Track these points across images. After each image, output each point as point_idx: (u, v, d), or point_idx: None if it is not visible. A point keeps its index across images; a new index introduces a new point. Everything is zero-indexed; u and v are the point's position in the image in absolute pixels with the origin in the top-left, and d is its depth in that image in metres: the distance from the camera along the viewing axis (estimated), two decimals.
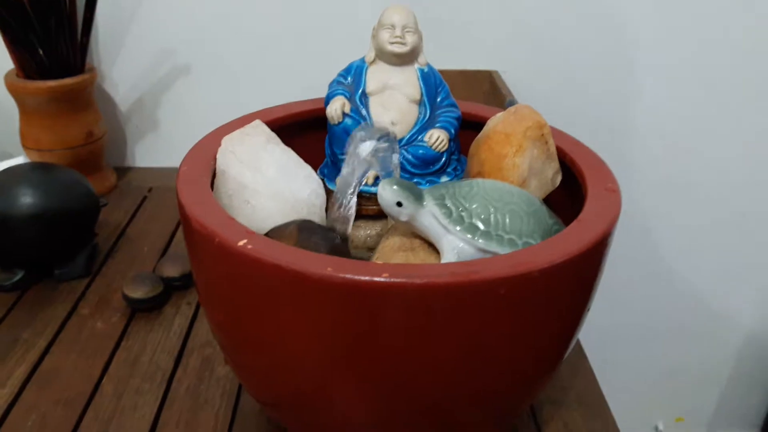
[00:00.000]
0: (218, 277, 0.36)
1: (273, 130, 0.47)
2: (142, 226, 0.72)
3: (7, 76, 0.71)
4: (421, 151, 0.46)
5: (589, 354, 0.56)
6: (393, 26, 0.45)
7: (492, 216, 0.37)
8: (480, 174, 0.44)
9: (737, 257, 0.95)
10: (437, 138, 0.45)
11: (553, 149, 0.43)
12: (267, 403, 0.43)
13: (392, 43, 0.45)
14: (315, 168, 0.48)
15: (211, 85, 0.82)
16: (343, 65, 0.48)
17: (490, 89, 0.78)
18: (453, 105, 0.47)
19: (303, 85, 0.71)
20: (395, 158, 0.43)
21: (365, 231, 0.47)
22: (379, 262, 0.39)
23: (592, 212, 0.37)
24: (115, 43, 0.80)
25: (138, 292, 0.57)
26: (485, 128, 0.45)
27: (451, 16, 0.78)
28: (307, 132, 0.50)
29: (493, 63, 0.81)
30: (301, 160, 0.46)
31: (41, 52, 0.69)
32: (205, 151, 0.43)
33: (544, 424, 0.48)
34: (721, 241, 0.94)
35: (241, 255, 0.33)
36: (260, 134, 0.45)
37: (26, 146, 0.74)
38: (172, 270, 0.60)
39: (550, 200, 0.45)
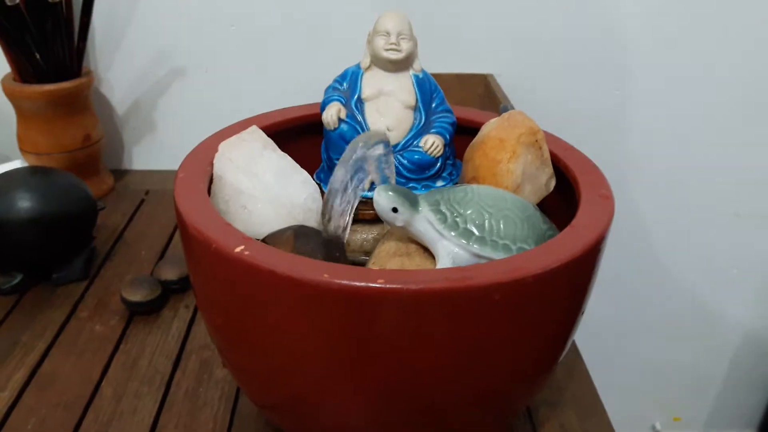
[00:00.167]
0: (215, 282, 0.37)
1: (269, 135, 0.47)
2: (140, 229, 0.72)
3: (4, 80, 0.72)
4: (416, 157, 0.46)
5: (585, 354, 0.56)
6: (388, 33, 0.45)
7: (486, 221, 0.37)
8: (475, 179, 0.44)
9: (734, 257, 0.96)
10: (432, 143, 0.46)
11: (547, 155, 0.44)
12: (265, 406, 0.44)
13: (387, 49, 0.45)
14: (311, 173, 0.48)
15: (208, 88, 0.82)
16: (339, 70, 0.48)
17: (485, 92, 0.78)
18: (448, 110, 0.48)
19: (299, 89, 0.71)
20: (390, 164, 0.43)
21: (362, 235, 0.47)
22: (374, 267, 0.39)
23: (585, 218, 0.37)
24: (111, 47, 0.80)
25: (136, 296, 0.57)
26: (480, 134, 0.45)
27: (446, 20, 0.79)
28: (304, 137, 0.50)
29: (488, 66, 0.81)
30: (297, 165, 0.46)
31: (38, 56, 0.69)
32: (202, 156, 0.43)
33: (540, 425, 0.48)
34: (718, 241, 0.94)
35: (237, 261, 0.33)
36: (257, 140, 0.45)
37: (24, 150, 0.74)
38: (170, 273, 0.60)
39: (544, 205, 0.46)
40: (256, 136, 0.45)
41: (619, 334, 1.02)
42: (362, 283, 0.31)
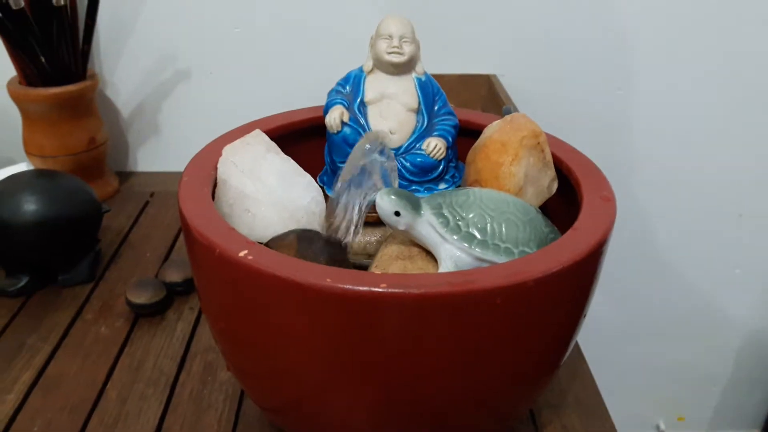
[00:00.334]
0: (219, 286, 0.37)
1: (273, 138, 0.48)
2: (145, 231, 0.72)
3: (9, 84, 0.72)
4: (419, 159, 0.46)
5: (588, 354, 0.56)
6: (390, 36, 0.45)
7: (489, 225, 0.37)
8: (477, 182, 0.44)
9: (738, 257, 0.96)
10: (435, 146, 0.46)
11: (549, 157, 0.44)
12: (268, 408, 0.44)
13: (390, 53, 0.45)
14: (314, 176, 0.49)
15: (212, 91, 0.83)
16: (342, 73, 0.49)
17: (488, 93, 0.78)
18: (450, 113, 0.48)
19: (302, 92, 0.71)
20: (393, 168, 0.43)
21: (365, 238, 0.48)
22: (377, 270, 0.40)
23: (587, 221, 0.37)
24: (116, 50, 0.81)
25: (141, 298, 0.58)
26: (482, 136, 0.46)
27: (449, 21, 0.79)
28: (307, 140, 0.50)
29: (491, 67, 0.81)
30: (300, 169, 0.47)
31: (43, 59, 0.69)
32: (206, 160, 0.44)
33: (543, 427, 0.48)
34: (721, 241, 0.94)
35: (241, 265, 0.33)
36: (260, 143, 0.45)
37: (29, 153, 0.74)
38: (174, 275, 0.61)
39: (546, 207, 0.46)
40: (259, 140, 0.46)
41: (623, 334, 1.02)
42: (365, 288, 0.31)
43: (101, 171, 0.79)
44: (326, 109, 0.47)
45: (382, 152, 0.43)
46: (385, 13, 0.47)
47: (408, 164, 0.46)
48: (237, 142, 0.45)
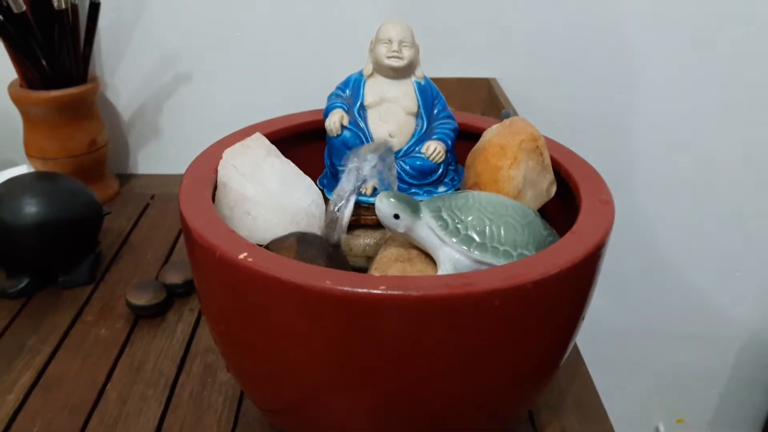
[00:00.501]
0: (219, 288, 0.37)
1: (273, 141, 0.48)
2: (145, 233, 0.73)
3: (10, 86, 0.72)
4: (418, 163, 0.47)
5: (588, 355, 0.57)
6: (390, 41, 0.45)
7: (487, 228, 0.37)
8: (476, 185, 0.44)
9: (738, 258, 0.96)
10: (434, 149, 0.46)
11: (548, 161, 0.44)
12: (268, 409, 0.44)
13: (389, 57, 0.45)
14: (314, 179, 0.49)
15: (213, 92, 0.83)
16: (342, 77, 0.49)
17: (487, 97, 0.79)
18: (450, 117, 0.48)
19: (303, 95, 0.72)
20: (392, 171, 0.44)
21: (364, 240, 0.48)
22: (376, 272, 0.40)
23: (585, 224, 0.38)
24: (117, 52, 0.81)
25: (141, 299, 0.58)
26: (481, 140, 0.46)
27: (448, 24, 0.79)
28: (307, 143, 0.51)
29: (490, 70, 0.81)
30: (300, 172, 0.47)
31: (44, 62, 0.70)
32: (207, 163, 0.44)
33: (542, 428, 0.48)
34: (721, 242, 0.94)
35: (241, 268, 0.34)
36: (260, 147, 0.46)
37: (30, 155, 0.75)
38: (174, 277, 0.61)
39: (545, 210, 0.46)
40: (260, 143, 0.46)
41: (622, 336, 1.03)
42: (364, 290, 0.31)
43: (102, 173, 0.79)
44: (326, 112, 0.47)
45: (380, 152, 0.44)
46: (386, 18, 0.47)
47: (407, 167, 0.47)
48: (237, 145, 0.45)
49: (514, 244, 0.37)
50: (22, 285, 0.61)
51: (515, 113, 0.70)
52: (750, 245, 0.95)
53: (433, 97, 0.48)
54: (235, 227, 0.44)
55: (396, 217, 0.38)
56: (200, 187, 0.41)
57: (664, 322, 1.02)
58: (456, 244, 0.37)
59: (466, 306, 0.32)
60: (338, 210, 0.41)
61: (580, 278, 0.36)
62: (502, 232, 0.37)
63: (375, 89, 0.47)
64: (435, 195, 0.46)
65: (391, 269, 0.39)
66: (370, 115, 0.47)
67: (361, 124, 0.47)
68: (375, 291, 0.31)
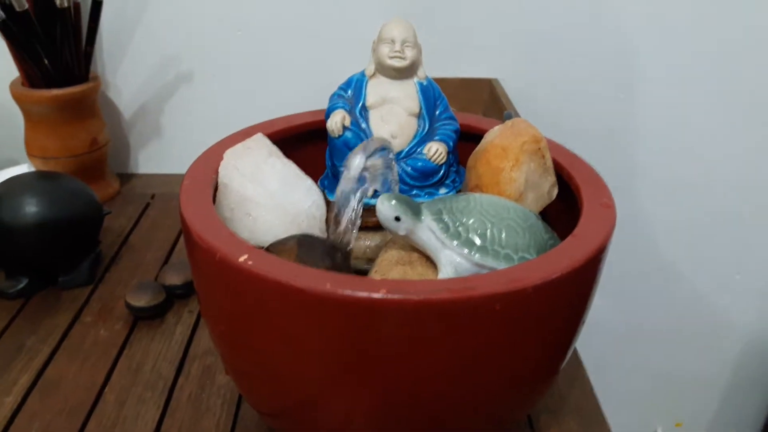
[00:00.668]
0: (219, 291, 0.37)
1: (274, 141, 0.48)
2: (145, 233, 0.72)
3: (12, 85, 0.72)
4: (420, 164, 0.46)
5: (587, 358, 0.56)
6: (393, 41, 0.45)
7: (488, 231, 0.37)
8: (478, 187, 0.44)
9: (737, 261, 0.96)
10: (436, 150, 0.46)
11: (550, 163, 0.44)
12: (266, 413, 0.44)
13: (392, 57, 0.45)
14: (315, 179, 0.49)
15: (214, 92, 0.83)
16: (344, 77, 0.49)
17: (489, 97, 0.78)
18: (452, 118, 0.48)
19: (304, 95, 0.72)
20: (394, 172, 0.43)
21: (365, 242, 0.48)
22: (377, 275, 0.40)
23: (586, 228, 0.37)
24: (119, 52, 0.81)
25: (140, 301, 0.58)
26: (483, 141, 0.46)
27: (451, 24, 0.79)
28: (308, 143, 0.50)
29: (493, 71, 0.81)
30: (301, 173, 0.47)
31: (46, 61, 0.70)
32: (208, 164, 0.44)
33: None
34: (720, 245, 0.94)
35: (241, 270, 0.33)
36: (262, 147, 0.45)
37: (31, 154, 0.74)
38: (174, 278, 0.61)
39: (546, 212, 0.46)
40: (261, 144, 0.46)
41: (621, 339, 1.02)
42: (364, 293, 0.31)
43: (103, 172, 0.79)
44: (328, 113, 0.47)
45: (381, 154, 0.43)
46: (388, 17, 0.47)
47: (409, 169, 0.46)
48: (238, 145, 0.45)
49: (515, 248, 0.37)
50: (22, 285, 0.60)
51: (517, 114, 0.70)
52: (750, 248, 0.95)
53: (436, 97, 0.48)
54: (235, 228, 0.43)
55: (397, 219, 0.38)
56: (201, 188, 0.41)
57: (663, 324, 1.01)
58: (457, 247, 0.37)
59: (467, 310, 0.32)
60: (345, 217, 0.41)
61: (580, 283, 0.36)
62: (504, 235, 0.37)
63: (377, 90, 0.47)
64: (436, 197, 0.46)
65: (392, 272, 0.39)
66: (372, 115, 0.47)
67: (363, 125, 0.47)
68: (375, 295, 0.31)
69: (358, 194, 0.42)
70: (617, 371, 1.03)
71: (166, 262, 0.67)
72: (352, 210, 0.43)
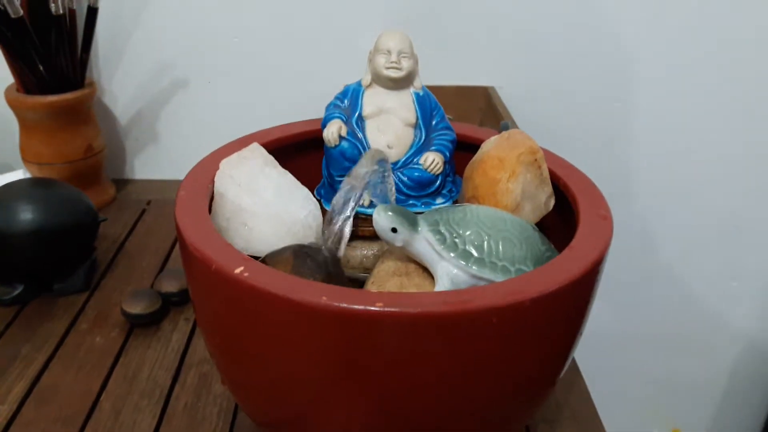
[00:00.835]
0: (215, 302, 0.37)
1: (270, 150, 0.48)
2: (141, 240, 0.72)
3: (7, 91, 0.72)
4: (416, 174, 0.46)
5: (584, 364, 0.56)
6: (389, 51, 0.45)
7: (485, 243, 0.37)
8: (474, 197, 0.44)
9: (735, 266, 0.96)
10: (432, 161, 0.46)
11: (546, 174, 0.44)
12: (262, 423, 0.44)
13: (388, 68, 0.45)
14: (312, 188, 0.49)
15: (210, 98, 0.83)
16: (340, 86, 0.49)
17: (486, 105, 0.79)
18: (448, 128, 0.48)
19: (301, 101, 0.71)
20: (390, 183, 0.43)
21: (361, 251, 0.48)
22: (373, 286, 0.40)
23: (583, 239, 0.37)
24: (114, 58, 0.81)
25: (136, 308, 0.58)
26: (479, 152, 0.46)
27: (447, 32, 0.79)
28: (305, 153, 0.50)
29: (489, 79, 0.81)
30: (297, 182, 0.46)
31: (41, 67, 0.69)
32: (203, 174, 0.44)
33: None
34: (719, 250, 0.94)
35: (237, 282, 0.33)
36: (257, 157, 0.45)
37: (26, 160, 0.74)
38: (170, 285, 0.61)
39: (543, 223, 0.46)
40: (256, 154, 0.46)
41: (619, 345, 1.02)
42: (360, 306, 0.31)
43: (98, 178, 0.79)
44: (324, 123, 0.47)
45: (380, 165, 0.43)
46: (385, 26, 0.47)
47: (405, 179, 0.46)
48: (234, 155, 0.45)
49: (512, 260, 0.37)
50: (17, 292, 0.60)
51: (514, 123, 0.70)
52: (747, 254, 0.95)
53: (432, 108, 0.48)
54: (231, 238, 0.43)
55: (394, 230, 0.38)
56: (197, 198, 0.41)
57: (660, 330, 1.02)
58: (454, 259, 0.37)
59: (464, 323, 0.32)
60: (339, 228, 0.41)
61: (578, 295, 0.36)
62: (500, 247, 0.37)
63: (373, 100, 0.47)
64: (433, 207, 0.46)
65: (389, 283, 0.39)
66: (369, 125, 0.47)
67: (359, 135, 0.47)
68: (372, 308, 0.31)
69: (351, 203, 0.42)
70: (614, 377, 1.03)
71: (162, 269, 0.67)
72: (343, 218, 0.43)
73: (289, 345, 0.34)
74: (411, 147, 0.47)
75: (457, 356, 0.33)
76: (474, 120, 0.79)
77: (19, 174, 0.74)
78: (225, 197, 0.43)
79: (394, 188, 0.44)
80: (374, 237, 0.46)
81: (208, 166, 0.45)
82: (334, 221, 0.43)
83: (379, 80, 0.47)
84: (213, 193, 0.43)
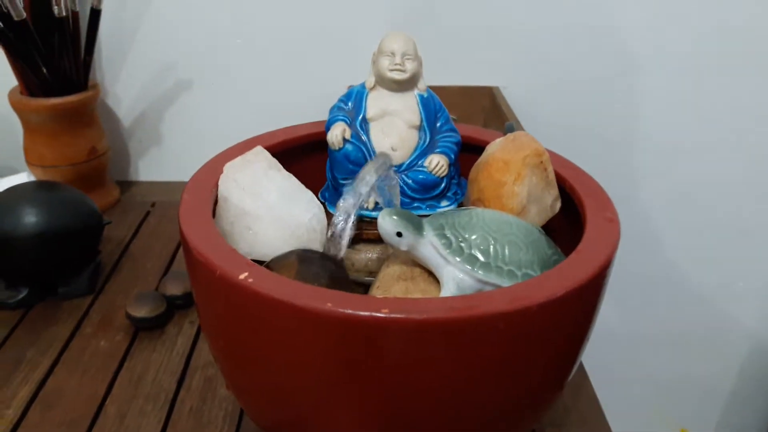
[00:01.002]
0: (219, 307, 0.36)
1: (274, 153, 0.47)
2: (146, 242, 0.72)
3: (11, 94, 0.72)
4: (421, 176, 0.46)
5: (591, 366, 0.56)
6: (393, 53, 0.45)
7: (492, 247, 0.37)
8: (479, 200, 0.44)
9: (741, 266, 0.95)
10: (437, 163, 0.46)
11: (552, 176, 0.44)
12: (267, 427, 0.44)
13: (392, 70, 0.45)
14: (316, 191, 0.48)
15: (213, 99, 0.83)
16: (344, 88, 0.48)
17: (490, 105, 0.78)
18: (453, 130, 0.48)
19: (304, 102, 0.71)
20: (395, 187, 0.43)
21: (366, 255, 0.47)
22: (379, 290, 0.39)
23: (590, 243, 0.37)
24: (118, 59, 0.81)
25: (141, 311, 0.57)
26: (485, 154, 0.45)
27: (451, 32, 0.79)
28: (309, 155, 0.50)
29: (493, 79, 0.81)
30: (302, 186, 0.46)
31: (45, 70, 0.69)
32: (207, 178, 0.43)
33: None
34: (725, 250, 0.94)
35: (241, 288, 0.33)
36: (261, 161, 0.45)
37: (30, 162, 0.74)
38: (174, 288, 0.60)
39: (549, 225, 0.45)
40: (260, 157, 0.45)
41: (624, 346, 1.02)
42: (366, 313, 0.31)
43: (102, 181, 0.79)
44: (328, 125, 0.47)
45: (383, 168, 0.43)
46: (389, 27, 0.47)
47: (410, 181, 0.46)
48: (238, 159, 0.45)
49: (519, 264, 0.37)
50: (21, 296, 0.60)
51: (518, 124, 0.69)
52: (753, 254, 0.94)
53: (436, 109, 0.48)
54: (235, 242, 0.43)
55: (399, 235, 0.37)
56: (201, 203, 0.40)
57: (667, 331, 1.01)
58: (459, 264, 0.37)
59: (470, 329, 0.32)
60: (340, 229, 0.41)
61: (585, 299, 0.36)
62: (507, 251, 0.37)
63: (377, 102, 0.47)
64: (438, 210, 0.46)
65: (394, 288, 0.38)
66: (373, 128, 0.47)
67: (363, 138, 0.46)
68: (377, 314, 0.31)
69: (356, 206, 0.42)
70: (620, 378, 1.03)
71: (166, 271, 0.67)
72: (347, 221, 0.42)
73: (294, 350, 0.34)
74: (415, 149, 0.47)
75: (463, 362, 0.33)
76: (478, 120, 0.79)
77: (23, 177, 0.74)
78: (229, 201, 0.43)
79: (399, 191, 0.44)
80: (379, 240, 0.46)
81: (212, 169, 0.44)
82: (338, 224, 0.43)
83: (383, 82, 0.46)
84: (217, 196, 0.43)
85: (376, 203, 0.45)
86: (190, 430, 0.48)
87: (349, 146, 0.46)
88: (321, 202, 0.47)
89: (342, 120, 0.46)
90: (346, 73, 0.74)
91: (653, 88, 0.82)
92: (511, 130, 0.47)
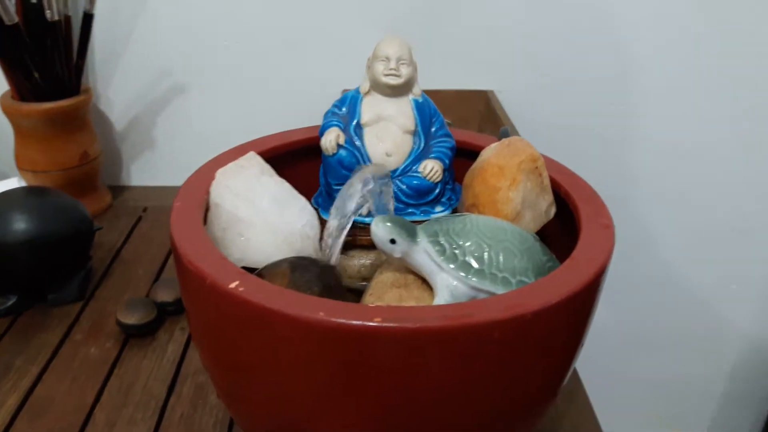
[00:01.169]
0: (210, 316, 0.36)
1: (267, 159, 0.47)
2: (137, 248, 0.71)
3: (2, 98, 0.71)
4: (415, 182, 0.46)
5: (583, 368, 0.55)
6: (388, 58, 0.45)
7: (486, 254, 0.37)
8: (474, 206, 0.44)
9: (735, 268, 0.95)
10: (431, 169, 0.45)
11: (547, 182, 0.43)
12: None
13: (387, 75, 0.45)
14: (309, 197, 0.48)
15: (206, 104, 0.82)
16: (339, 92, 0.48)
17: (485, 109, 0.78)
18: (447, 135, 0.47)
19: (297, 106, 0.71)
20: (389, 193, 0.43)
21: (359, 261, 0.47)
22: (372, 298, 0.39)
23: (585, 249, 0.37)
24: (110, 64, 0.80)
25: (132, 318, 0.57)
26: (479, 159, 0.45)
27: (446, 36, 0.79)
28: (302, 161, 0.50)
29: (489, 83, 0.81)
30: (295, 192, 0.46)
31: (36, 74, 0.69)
32: (199, 184, 0.43)
33: None
34: (719, 253, 0.94)
35: (232, 297, 0.33)
36: (254, 166, 0.45)
37: (21, 167, 0.73)
38: (165, 295, 0.60)
39: (544, 231, 0.45)
40: (253, 163, 0.45)
41: (618, 347, 1.02)
42: (359, 322, 0.30)
43: (94, 185, 0.78)
44: (322, 131, 0.46)
45: (377, 175, 0.43)
46: (384, 31, 0.47)
47: (404, 187, 0.46)
48: (230, 165, 0.44)
49: (513, 271, 0.36)
50: (10, 303, 0.59)
51: (513, 129, 0.69)
52: (747, 257, 0.94)
53: (431, 115, 0.47)
54: (227, 249, 0.43)
55: (392, 241, 0.37)
56: (192, 210, 0.40)
57: (660, 332, 1.01)
58: (453, 271, 0.36)
59: (464, 337, 0.31)
60: (332, 237, 0.40)
61: (580, 306, 0.35)
62: (501, 258, 0.37)
63: (372, 107, 0.46)
64: (432, 216, 0.45)
65: (387, 295, 0.38)
66: (367, 133, 0.46)
67: (357, 143, 0.46)
68: (370, 323, 0.30)
69: (349, 212, 0.42)
70: (614, 379, 1.03)
71: (157, 277, 0.66)
72: (340, 228, 0.42)
73: (286, 360, 0.33)
74: (410, 155, 0.46)
75: (457, 371, 0.32)
76: (473, 124, 0.79)
77: (14, 182, 0.73)
78: (221, 207, 0.42)
79: (392, 197, 0.44)
80: (372, 246, 0.46)
81: (204, 175, 0.44)
82: (332, 231, 0.42)
83: (378, 87, 0.46)
84: (208, 203, 0.43)
85: (369, 211, 0.45)
86: None
87: (342, 152, 0.45)
88: (314, 208, 0.47)
89: (336, 125, 0.46)
90: (340, 78, 0.74)
91: (648, 92, 0.82)
92: (506, 135, 0.46)
